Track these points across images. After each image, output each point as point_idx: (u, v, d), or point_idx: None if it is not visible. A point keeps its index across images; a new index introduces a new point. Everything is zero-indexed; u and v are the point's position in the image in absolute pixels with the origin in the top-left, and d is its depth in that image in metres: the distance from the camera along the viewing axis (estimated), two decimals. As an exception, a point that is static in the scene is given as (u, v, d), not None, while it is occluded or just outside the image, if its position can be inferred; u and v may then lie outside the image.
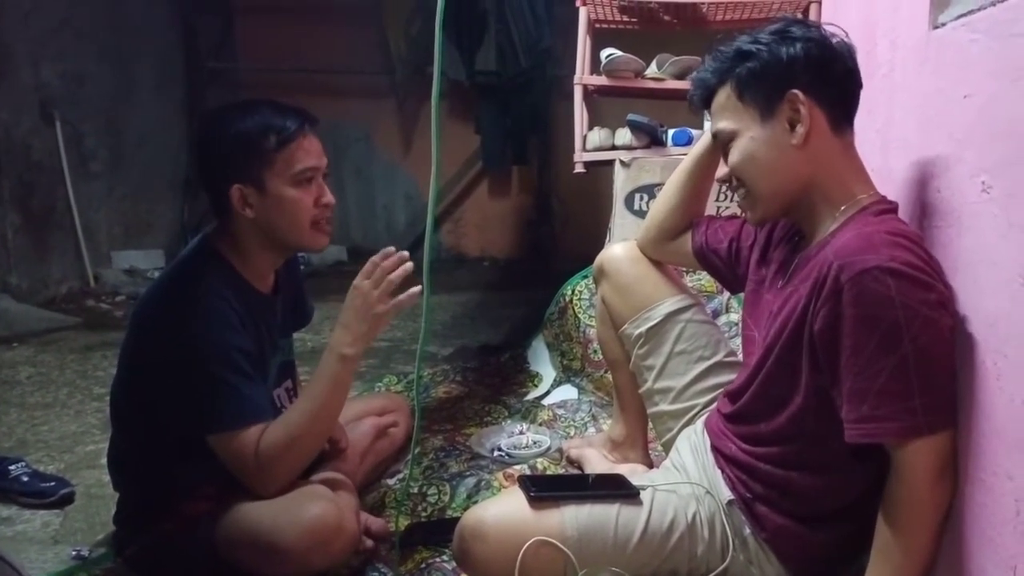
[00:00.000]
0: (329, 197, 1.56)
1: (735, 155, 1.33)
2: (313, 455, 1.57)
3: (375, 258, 1.52)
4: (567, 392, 2.58)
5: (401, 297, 1.51)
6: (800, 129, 1.25)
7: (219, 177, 1.51)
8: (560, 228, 5.21)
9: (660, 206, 1.73)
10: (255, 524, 1.44)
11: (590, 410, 2.39)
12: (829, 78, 1.26)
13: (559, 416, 2.36)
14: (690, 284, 2.04)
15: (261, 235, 1.54)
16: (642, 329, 1.72)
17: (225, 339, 1.46)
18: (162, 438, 1.51)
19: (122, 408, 1.59)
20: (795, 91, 1.24)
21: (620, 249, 1.81)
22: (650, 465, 1.87)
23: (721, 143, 1.36)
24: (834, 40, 1.28)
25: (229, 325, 1.48)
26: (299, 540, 1.40)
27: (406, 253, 1.53)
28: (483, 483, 1.87)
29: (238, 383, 1.46)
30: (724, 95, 1.33)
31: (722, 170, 1.40)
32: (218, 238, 1.57)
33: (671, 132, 2.59)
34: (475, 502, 1.75)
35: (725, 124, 1.33)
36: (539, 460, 2.00)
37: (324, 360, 1.53)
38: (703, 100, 1.38)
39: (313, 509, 1.43)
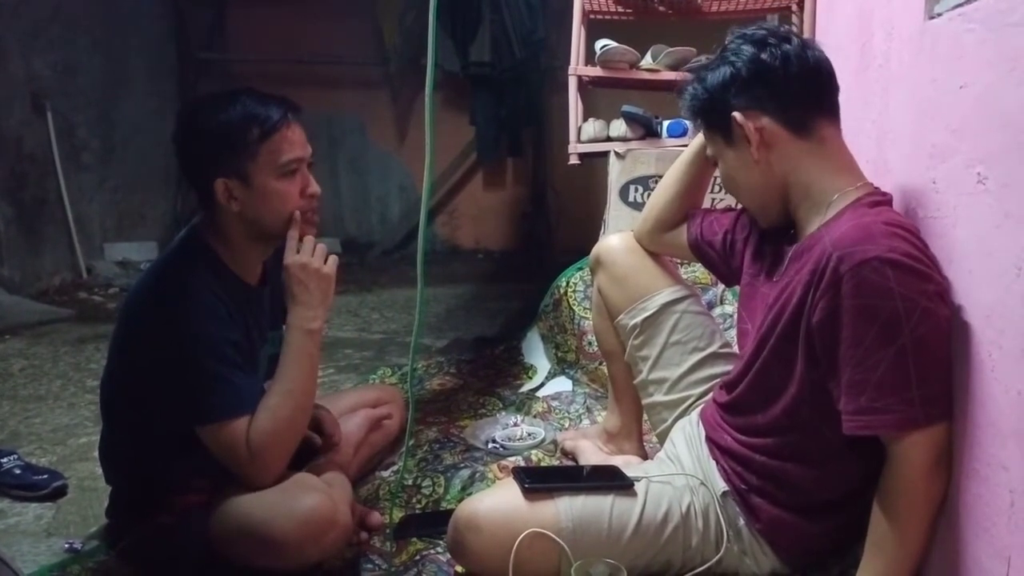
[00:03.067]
0: (315, 187, 1.54)
1: (720, 177, 1.44)
2: (300, 436, 1.56)
3: (291, 233, 1.52)
4: (561, 384, 2.58)
5: (333, 256, 1.56)
6: (752, 146, 1.31)
7: (203, 171, 1.49)
8: (555, 220, 5.20)
9: (658, 197, 1.73)
10: (249, 516, 1.43)
11: (584, 402, 2.39)
12: (765, 89, 1.30)
13: (553, 408, 2.36)
14: (685, 276, 2.04)
15: (247, 227, 1.53)
16: (637, 320, 1.72)
17: (214, 330, 1.45)
18: (153, 431, 1.51)
19: (113, 401, 1.59)
20: (735, 114, 1.31)
21: (616, 240, 1.81)
22: (645, 456, 1.87)
23: (713, 165, 1.48)
24: (767, 50, 1.29)
25: (217, 316, 1.47)
26: (293, 532, 1.40)
27: None
28: (477, 475, 1.87)
29: (228, 374, 1.45)
30: (701, 126, 1.45)
31: None
32: (205, 230, 1.56)
33: (666, 123, 2.58)
34: (469, 494, 1.75)
35: (709, 149, 1.46)
36: (534, 452, 2.00)
37: (290, 339, 1.52)
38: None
39: (307, 501, 1.43)
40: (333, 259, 1.56)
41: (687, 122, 2.55)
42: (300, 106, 1.54)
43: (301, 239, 1.53)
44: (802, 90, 1.30)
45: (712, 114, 1.37)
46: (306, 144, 1.53)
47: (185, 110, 1.53)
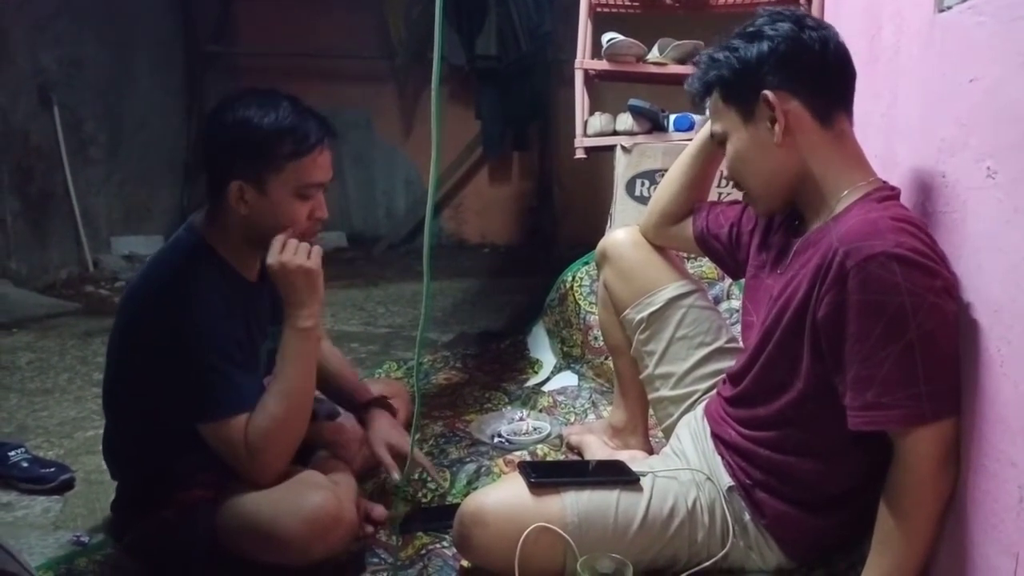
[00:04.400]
0: (323, 212, 1.53)
1: (728, 156, 1.37)
2: (299, 436, 1.55)
3: (277, 236, 1.47)
4: (567, 379, 2.58)
5: (316, 247, 1.50)
6: (777, 128, 1.27)
7: (223, 167, 1.47)
8: (561, 214, 5.19)
9: (663, 191, 1.72)
10: (255, 514, 1.43)
11: (590, 396, 2.38)
12: (802, 71, 1.26)
13: (559, 402, 2.36)
14: (691, 270, 2.03)
15: (249, 230, 1.51)
16: (644, 314, 1.71)
17: (214, 327, 1.44)
18: (156, 427, 1.50)
19: (114, 397, 1.58)
20: (766, 92, 1.26)
21: (623, 234, 1.81)
22: (650, 451, 1.87)
23: (718, 144, 1.40)
24: (807, 31, 1.26)
25: (217, 313, 1.46)
26: (299, 530, 1.39)
27: None
28: (483, 469, 1.87)
29: (228, 371, 1.45)
30: (713, 99, 1.36)
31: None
32: (207, 224, 1.54)
33: (672, 117, 2.57)
34: (475, 488, 1.75)
35: (717, 126, 1.38)
36: (539, 446, 2.00)
37: (285, 340, 1.50)
38: (701, 100, 1.41)
39: (313, 498, 1.42)
40: (316, 251, 1.50)
41: (694, 116, 2.54)
42: (335, 130, 1.52)
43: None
44: (834, 79, 1.29)
45: (736, 88, 1.31)
46: (330, 170, 1.51)
47: (223, 102, 1.50)
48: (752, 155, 1.33)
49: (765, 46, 1.27)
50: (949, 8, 1.26)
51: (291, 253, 1.47)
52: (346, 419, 1.81)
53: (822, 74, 1.27)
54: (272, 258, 1.47)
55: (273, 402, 1.47)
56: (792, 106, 1.26)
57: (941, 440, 1.13)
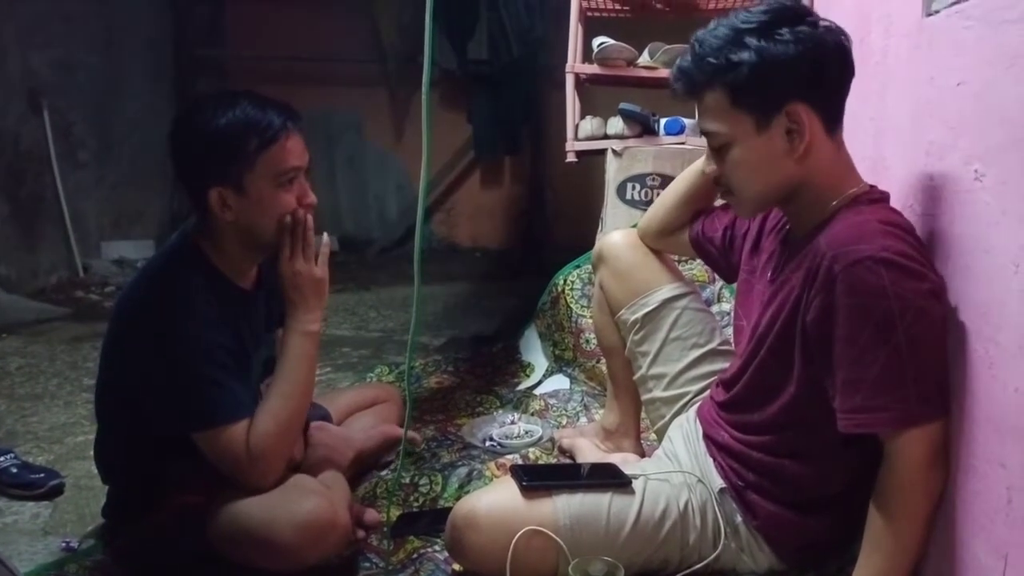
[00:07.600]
0: (312, 198, 1.52)
1: (729, 162, 1.27)
2: (298, 438, 1.56)
3: (284, 238, 1.50)
4: (559, 382, 2.57)
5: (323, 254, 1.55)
6: (800, 143, 1.20)
7: (198, 178, 1.47)
8: (552, 218, 5.19)
9: (666, 203, 1.72)
10: (248, 520, 1.43)
11: (582, 400, 2.38)
12: (824, 82, 1.21)
13: (551, 406, 2.36)
14: (683, 273, 2.04)
15: (241, 235, 1.50)
16: (638, 315, 1.72)
17: (205, 336, 1.44)
18: (147, 434, 1.49)
19: (106, 404, 1.58)
20: (797, 106, 1.19)
21: (619, 235, 1.82)
22: (642, 454, 1.87)
23: (712, 144, 1.30)
24: (825, 35, 1.20)
25: (207, 322, 1.45)
26: (293, 536, 1.39)
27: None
28: (475, 473, 1.87)
29: (222, 379, 1.44)
30: (714, 97, 1.24)
31: (712, 166, 1.33)
32: (198, 234, 1.54)
33: (663, 121, 2.58)
34: (467, 492, 1.75)
35: (717, 128, 1.25)
36: (531, 450, 2.00)
37: (289, 342, 1.52)
38: (688, 93, 1.30)
39: (306, 504, 1.42)
40: (323, 257, 1.54)
41: (684, 120, 2.55)
42: (300, 113, 1.50)
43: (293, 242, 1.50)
44: (844, 88, 1.24)
45: (757, 94, 1.19)
46: (304, 153, 1.50)
47: (181, 114, 1.51)
48: (759, 164, 1.24)
49: (792, 49, 1.16)
50: (937, 12, 1.27)
51: (300, 260, 1.50)
52: (352, 422, 1.81)
53: (839, 83, 1.23)
54: (283, 264, 1.50)
55: (276, 404, 1.48)
56: (812, 120, 1.20)
57: (930, 442, 1.13)
